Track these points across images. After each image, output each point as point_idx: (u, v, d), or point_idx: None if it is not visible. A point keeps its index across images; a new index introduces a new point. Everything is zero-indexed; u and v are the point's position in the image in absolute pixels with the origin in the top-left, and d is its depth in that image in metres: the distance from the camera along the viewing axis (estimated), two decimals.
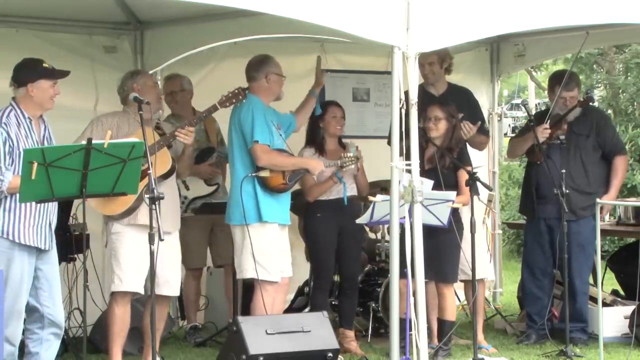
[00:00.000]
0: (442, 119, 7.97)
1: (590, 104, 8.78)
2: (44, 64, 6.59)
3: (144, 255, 6.63)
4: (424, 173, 7.11)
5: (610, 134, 8.71)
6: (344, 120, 8.29)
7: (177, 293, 7.53)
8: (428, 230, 7.09)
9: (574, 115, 8.55)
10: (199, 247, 8.80)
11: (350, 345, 8.26)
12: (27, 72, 6.56)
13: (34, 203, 6.40)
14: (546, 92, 10.08)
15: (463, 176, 7.84)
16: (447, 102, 8.20)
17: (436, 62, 8.48)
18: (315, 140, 8.20)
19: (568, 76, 8.60)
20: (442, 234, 7.64)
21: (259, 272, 7.47)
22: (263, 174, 7.56)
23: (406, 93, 6.48)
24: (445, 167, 7.92)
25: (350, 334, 8.36)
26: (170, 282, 7.31)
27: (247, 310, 7.87)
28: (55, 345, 6.70)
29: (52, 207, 6.60)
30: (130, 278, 7.12)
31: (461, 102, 8.50)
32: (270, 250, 7.55)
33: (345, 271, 8.37)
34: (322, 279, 8.26)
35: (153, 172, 6.44)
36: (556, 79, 8.73)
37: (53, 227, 6.62)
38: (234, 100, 7.47)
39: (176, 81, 8.86)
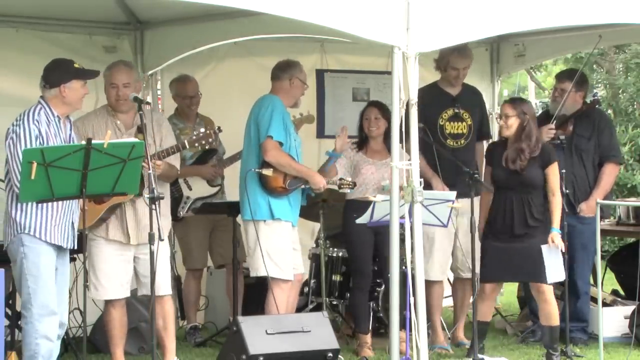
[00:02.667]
0: (513, 116, 7.78)
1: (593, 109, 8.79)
2: (75, 65, 6.65)
3: (117, 263, 7.03)
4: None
5: (606, 139, 8.69)
6: (382, 121, 8.20)
7: (169, 292, 7.41)
8: (522, 233, 7.53)
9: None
10: (200, 248, 8.80)
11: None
12: (60, 73, 6.61)
13: (59, 202, 6.44)
14: (546, 92, 10.13)
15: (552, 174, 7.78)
16: (516, 100, 8.23)
17: (469, 66, 8.56)
18: (360, 138, 8.30)
19: (576, 75, 8.64)
20: (531, 236, 7.67)
21: (271, 270, 7.54)
22: (266, 172, 7.59)
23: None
24: (524, 166, 7.78)
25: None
26: (160, 283, 7.13)
27: (255, 309, 7.87)
28: (57, 345, 6.71)
29: (75, 207, 6.64)
30: (105, 286, 7.16)
31: (475, 103, 8.58)
32: (283, 248, 7.60)
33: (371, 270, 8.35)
34: (361, 278, 8.23)
35: (153, 171, 6.48)
36: (557, 77, 8.80)
37: (76, 226, 6.67)
38: (202, 142, 7.32)
39: (192, 85, 8.83)
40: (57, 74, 6.62)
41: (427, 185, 7.39)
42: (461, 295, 8.52)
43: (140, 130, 7.08)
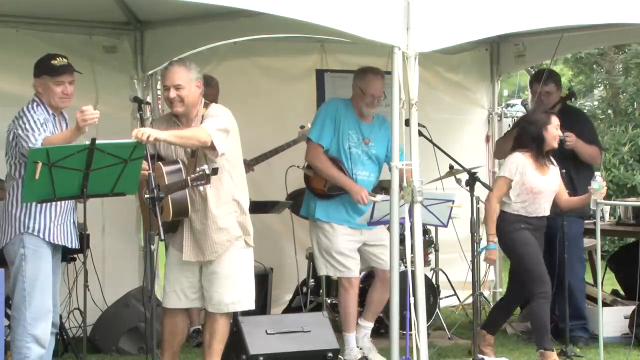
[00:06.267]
0: None
1: (569, 101, 8.79)
2: (52, 61, 6.56)
3: (176, 272, 6.81)
4: None
5: (586, 129, 8.70)
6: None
7: (224, 310, 6.86)
8: None
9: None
10: None
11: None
12: (37, 67, 6.60)
13: (61, 202, 6.42)
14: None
15: None
16: None
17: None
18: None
19: (546, 72, 8.70)
20: None
21: (329, 270, 7.83)
22: (307, 171, 7.85)
23: None
24: None
25: (553, 354, 7.75)
26: (219, 299, 6.86)
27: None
28: (51, 344, 6.68)
29: (74, 205, 6.60)
30: (167, 293, 6.95)
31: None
32: (332, 248, 7.78)
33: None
34: (541, 286, 7.72)
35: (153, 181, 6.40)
36: (534, 77, 8.90)
37: (75, 224, 6.66)
38: (198, 182, 6.60)
39: (215, 88, 8.49)
40: (35, 67, 6.60)
41: None
42: None
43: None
